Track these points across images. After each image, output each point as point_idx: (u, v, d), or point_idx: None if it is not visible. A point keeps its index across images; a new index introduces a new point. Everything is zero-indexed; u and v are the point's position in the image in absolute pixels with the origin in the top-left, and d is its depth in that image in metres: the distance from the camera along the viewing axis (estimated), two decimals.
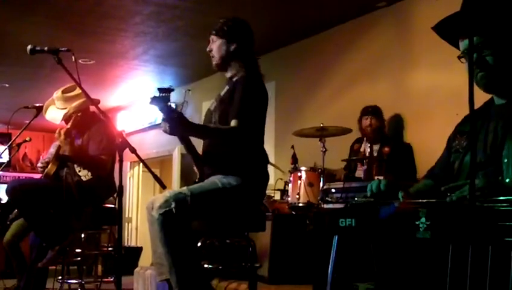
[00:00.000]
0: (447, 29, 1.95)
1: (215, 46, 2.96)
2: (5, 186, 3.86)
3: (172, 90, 2.61)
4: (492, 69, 1.85)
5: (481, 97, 1.90)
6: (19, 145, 5.57)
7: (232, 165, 2.82)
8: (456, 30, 1.92)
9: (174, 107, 2.65)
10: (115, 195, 4.05)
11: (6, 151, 6.59)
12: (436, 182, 2.05)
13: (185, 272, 2.61)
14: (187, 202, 2.62)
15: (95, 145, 3.79)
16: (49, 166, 3.73)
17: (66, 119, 3.86)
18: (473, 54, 1.61)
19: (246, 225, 3.00)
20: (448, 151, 2.05)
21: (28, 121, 4.01)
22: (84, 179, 3.76)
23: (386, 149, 4.53)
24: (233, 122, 2.73)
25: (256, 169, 2.88)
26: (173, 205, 2.56)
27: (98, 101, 3.49)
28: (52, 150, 3.92)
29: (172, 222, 2.57)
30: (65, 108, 3.89)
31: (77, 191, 3.69)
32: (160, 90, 2.58)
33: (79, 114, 3.86)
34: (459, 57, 1.94)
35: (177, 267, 2.59)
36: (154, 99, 2.54)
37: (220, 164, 2.85)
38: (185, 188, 2.74)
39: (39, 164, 4.00)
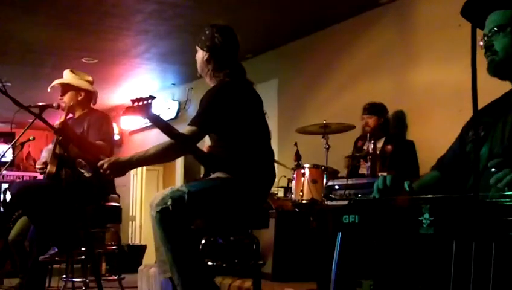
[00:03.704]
0: (473, 10, 1.86)
1: (197, 56, 3.01)
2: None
3: (154, 98, 2.66)
4: (502, 53, 1.80)
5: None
6: (22, 144, 5.58)
7: (229, 163, 2.83)
8: (482, 10, 1.85)
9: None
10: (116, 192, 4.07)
11: (10, 151, 6.61)
12: (444, 174, 2.02)
13: (186, 269, 2.62)
14: (184, 199, 2.63)
15: (95, 131, 3.81)
16: (49, 166, 3.73)
17: (66, 111, 3.93)
18: (475, 44, 1.58)
19: (249, 222, 3.00)
20: (461, 141, 1.99)
21: (31, 120, 4.01)
22: (86, 175, 3.77)
23: (389, 147, 4.52)
24: (185, 128, 2.76)
25: (255, 167, 2.87)
26: (170, 203, 2.58)
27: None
28: (45, 153, 3.93)
29: (169, 219, 2.59)
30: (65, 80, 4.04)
31: (79, 186, 3.69)
32: (134, 100, 2.64)
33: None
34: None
35: (178, 264, 2.60)
36: (134, 110, 2.61)
37: (219, 162, 2.87)
38: (183, 185, 2.76)
39: (37, 166, 4.02)
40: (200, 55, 2.97)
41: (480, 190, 1.59)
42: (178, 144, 2.72)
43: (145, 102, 2.65)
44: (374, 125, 4.64)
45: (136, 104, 2.65)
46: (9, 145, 5.74)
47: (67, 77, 4.07)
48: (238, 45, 2.98)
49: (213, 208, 2.79)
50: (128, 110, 2.67)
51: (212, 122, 2.78)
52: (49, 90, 4.05)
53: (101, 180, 3.81)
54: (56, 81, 4.05)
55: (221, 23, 2.98)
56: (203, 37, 2.95)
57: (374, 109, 4.68)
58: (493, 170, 1.60)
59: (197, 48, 2.99)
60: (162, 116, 8.53)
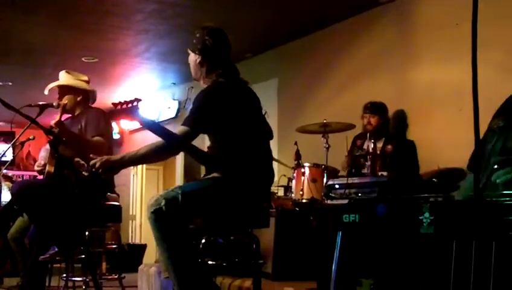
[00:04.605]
0: None
1: (189, 60, 3.01)
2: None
3: (140, 100, 2.66)
4: None
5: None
6: (22, 143, 5.59)
7: (226, 163, 2.83)
8: None
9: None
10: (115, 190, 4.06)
11: (10, 150, 6.61)
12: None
13: (182, 269, 2.62)
14: (178, 199, 2.64)
15: (92, 127, 3.80)
16: (48, 166, 3.73)
17: (61, 111, 3.91)
18: (476, 42, 1.57)
19: (249, 221, 3.00)
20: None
21: None
22: (85, 174, 3.76)
23: (389, 147, 4.51)
24: (178, 128, 2.76)
25: (250, 166, 2.86)
26: (163, 203, 2.60)
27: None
28: (43, 153, 3.93)
29: (163, 219, 2.60)
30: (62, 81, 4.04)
31: (77, 185, 3.69)
32: (117, 104, 2.64)
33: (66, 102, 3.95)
34: None
35: (174, 264, 2.61)
36: (120, 114, 2.62)
37: (216, 162, 2.87)
38: (178, 186, 2.78)
39: (36, 167, 4.01)
40: (193, 58, 2.97)
41: (489, 188, 1.60)
42: (170, 144, 2.73)
43: (129, 105, 2.65)
44: (376, 125, 4.63)
45: (119, 107, 2.66)
46: (10, 145, 5.74)
47: (64, 78, 4.06)
48: (229, 46, 2.98)
49: (208, 208, 2.79)
50: (114, 114, 2.68)
51: (205, 122, 2.78)
52: (46, 93, 4.04)
53: (99, 179, 3.81)
54: (53, 84, 4.04)
55: (211, 25, 2.98)
56: (194, 40, 2.95)
57: (376, 108, 4.66)
58: (496, 166, 1.60)
59: (189, 51, 2.99)
60: (161, 116, 8.49)
